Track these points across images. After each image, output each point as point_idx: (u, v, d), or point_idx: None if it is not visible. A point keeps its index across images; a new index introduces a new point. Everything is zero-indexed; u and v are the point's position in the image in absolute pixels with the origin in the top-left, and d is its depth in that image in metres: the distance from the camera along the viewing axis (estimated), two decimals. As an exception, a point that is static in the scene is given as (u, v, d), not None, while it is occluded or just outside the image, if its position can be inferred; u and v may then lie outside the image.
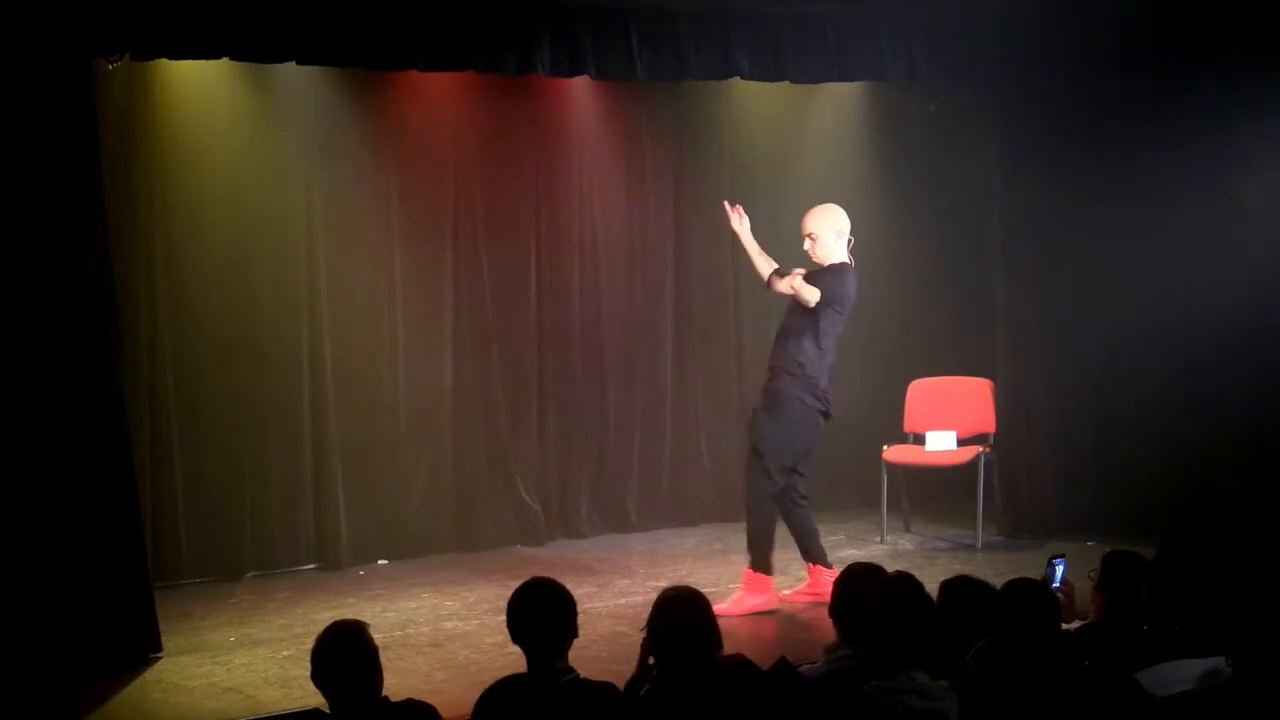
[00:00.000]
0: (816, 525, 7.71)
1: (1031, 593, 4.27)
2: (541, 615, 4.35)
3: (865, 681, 4.11)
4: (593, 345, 9.43)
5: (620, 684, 4.45)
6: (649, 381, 9.63)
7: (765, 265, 7.74)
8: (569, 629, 4.36)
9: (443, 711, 4.33)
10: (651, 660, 4.43)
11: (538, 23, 7.76)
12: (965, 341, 9.66)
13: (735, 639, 4.51)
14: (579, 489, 9.42)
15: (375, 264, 8.79)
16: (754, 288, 9.83)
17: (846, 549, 8.76)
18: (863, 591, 4.55)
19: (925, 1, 8.52)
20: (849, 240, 7.62)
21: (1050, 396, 9.01)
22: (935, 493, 9.42)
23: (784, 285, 7.51)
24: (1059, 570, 5.44)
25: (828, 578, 7.09)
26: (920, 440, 9.07)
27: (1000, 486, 8.92)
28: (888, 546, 8.83)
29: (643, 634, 4.42)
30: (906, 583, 4.37)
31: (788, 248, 9.91)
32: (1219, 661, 4.08)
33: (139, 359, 8.00)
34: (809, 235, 7.57)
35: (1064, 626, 4.93)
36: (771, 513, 7.58)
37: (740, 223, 7.75)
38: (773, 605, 7.43)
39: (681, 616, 4.32)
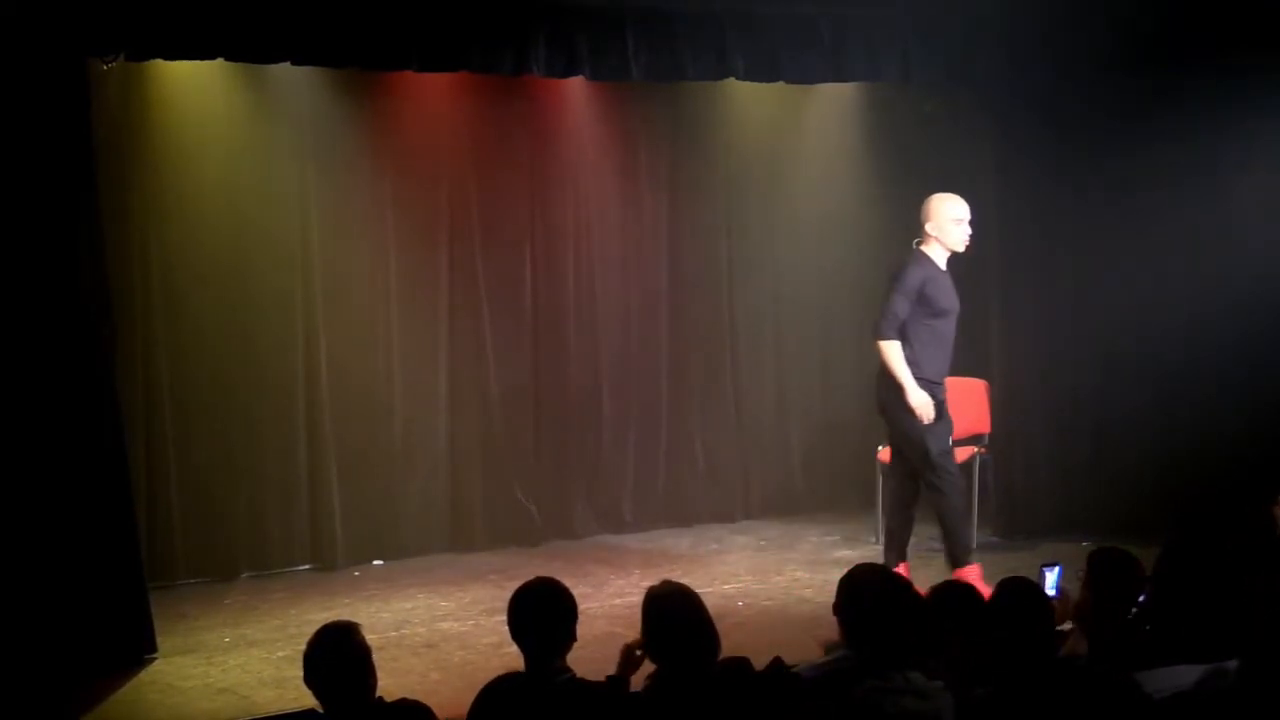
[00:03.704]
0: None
1: (1025, 593, 4.28)
2: (544, 616, 4.35)
3: (862, 682, 4.11)
4: (587, 346, 9.42)
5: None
6: (644, 382, 9.62)
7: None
8: (569, 631, 4.36)
9: (438, 712, 4.32)
10: (639, 653, 4.44)
11: (533, 23, 7.76)
12: (960, 342, 9.64)
13: (733, 640, 4.50)
14: (574, 490, 9.41)
15: (370, 265, 8.79)
16: (750, 289, 9.88)
17: (841, 549, 8.79)
18: (868, 591, 4.56)
19: (921, 2, 8.52)
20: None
21: (1046, 397, 9.01)
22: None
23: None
24: (1048, 578, 5.42)
25: None
26: (915, 441, 9.05)
27: (995, 487, 8.92)
28: (883, 546, 8.82)
29: (635, 640, 4.44)
30: (897, 582, 4.38)
31: (782, 247, 9.98)
32: (1218, 665, 4.08)
33: (134, 360, 8.00)
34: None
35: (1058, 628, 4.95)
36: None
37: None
38: None
39: (672, 611, 4.32)
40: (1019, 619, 4.15)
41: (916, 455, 7.53)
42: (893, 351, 7.40)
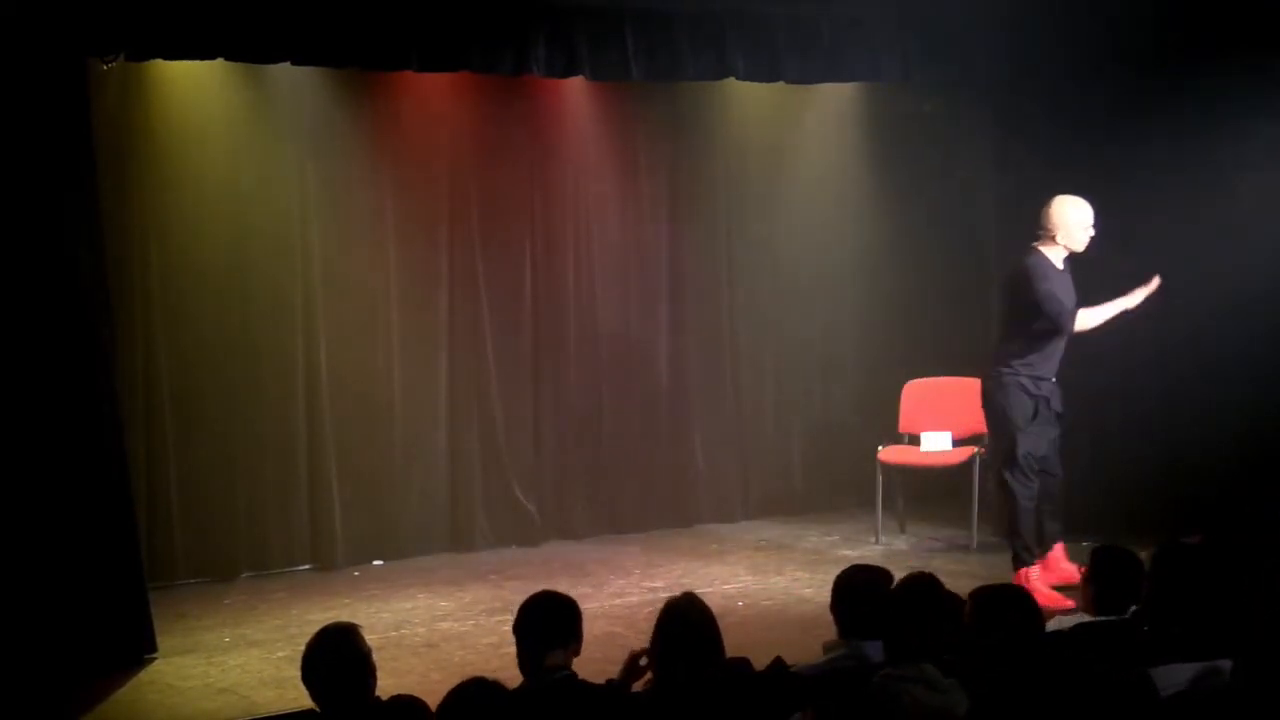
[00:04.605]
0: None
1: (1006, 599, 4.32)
2: (549, 623, 4.41)
3: (863, 680, 4.13)
4: (588, 345, 9.42)
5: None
6: (644, 382, 9.62)
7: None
8: (566, 640, 4.39)
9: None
10: (644, 662, 4.45)
11: (533, 23, 7.78)
12: (960, 342, 9.66)
13: (733, 640, 4.50)
14: (574, 490, 9.41)
15: (370, 265, 8.79)
16: (749, 287, 9.87)
17: (842, 549, 8.78)
18: (865, 589, 4.59)
19: (921, 2, 8.52)
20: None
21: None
22: (930, 493, 9.42)
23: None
24: None
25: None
26: (915, 441, 9.07)
27: (995, 487, 8.89)
28: (882, 547, 8.84)
29: (643, 649, 4.45)
30: (924, 578, 4.41)
31: (782, 247, 9.98)
32: (1213, 664, 4.08)
33: (134, 360, 8.00)
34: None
35: (1062, 623, 4.96)
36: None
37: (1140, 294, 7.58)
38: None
39: (684, 624, 4.33)
40: (1002, 625, 4.18)
41: (1002, 450, 7.65)
42: (1086, 318, 7.49)
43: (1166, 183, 8.43)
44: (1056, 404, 7.64)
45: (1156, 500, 8.36)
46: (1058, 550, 7.74)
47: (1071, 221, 7.47)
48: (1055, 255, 7.51)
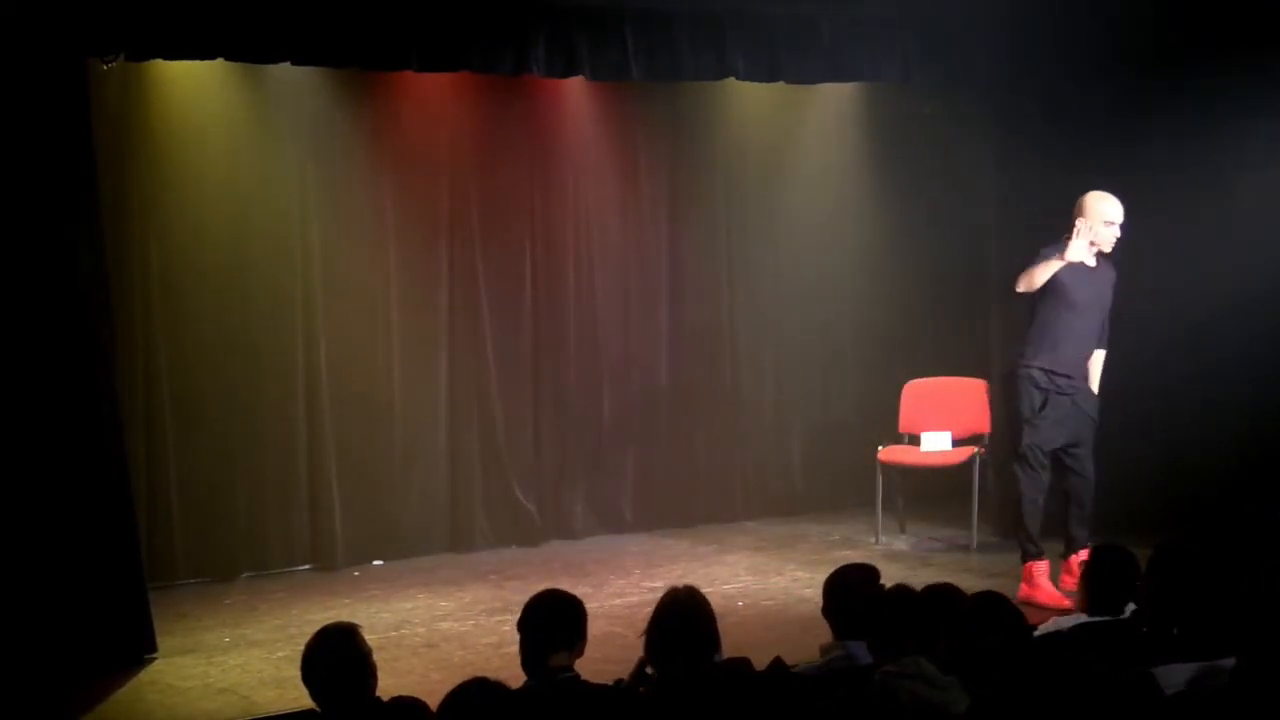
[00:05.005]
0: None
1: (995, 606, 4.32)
2: (549, 623, 4.40)
3: (862, 680, 4.13)
4: (588, 345, 9.43)
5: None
6: (644, 381, 9.63)
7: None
8: (571, 641, 4.40)
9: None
10: (650, 670, 4.45)
11: (533, 23, 7.78)
12: (960, 342, 9.67)
13: (733, 640, 4.50)
14: (574, 490, 9.41)
15: (370, 265, 8.79)
16: (749, 287, 9.88)
17: (841, 550, 8.77)
18: (858, 590, 4.60)
19: (921, 2, 8.52)
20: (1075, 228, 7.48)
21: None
22: (930, 493, 9.42)
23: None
24: None
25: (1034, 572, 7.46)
26: (915, 441, 9.08)
27: (995, 487, 8.91)
28: (883, 547, 8.84)
29: (641, 640, 4.45)
30: (900, 587, 4.43)
31: (782, 247, 9.98)
32: (1213, 664, 4.08)
33: (134, 360, 8.01)
34: None
35: (1061, 623, 4.96)
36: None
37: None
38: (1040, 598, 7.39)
39: (680, 616, 4.34)
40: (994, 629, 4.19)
41: (1014, 438, 7.69)
42: (1028, 277, 7.43)
43: (1166, 183, 8.43)
44: (1089, 408, 7.64)
45: (1156, 500, 8.36)
46: (1083, 555, 7.62)
47: (1096, 214, 7.46)
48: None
